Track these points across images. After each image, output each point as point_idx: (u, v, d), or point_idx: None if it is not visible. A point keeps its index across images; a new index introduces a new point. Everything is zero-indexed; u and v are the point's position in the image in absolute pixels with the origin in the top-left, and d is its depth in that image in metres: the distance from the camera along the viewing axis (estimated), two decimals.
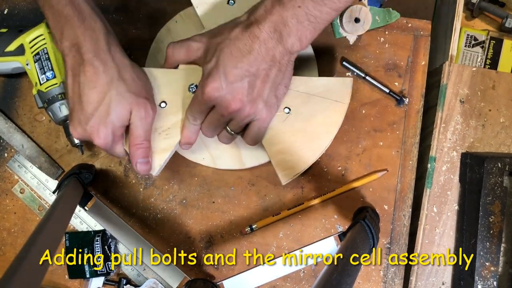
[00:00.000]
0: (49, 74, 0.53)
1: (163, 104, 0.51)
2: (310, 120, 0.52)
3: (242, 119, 0.48)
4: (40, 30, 0.55)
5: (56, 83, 0.53)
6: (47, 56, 0.54)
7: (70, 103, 0.47)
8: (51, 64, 0.54)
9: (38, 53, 0.54)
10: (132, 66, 0.49)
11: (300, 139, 0.52)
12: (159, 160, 0.51)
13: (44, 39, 0.55)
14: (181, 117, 0.52)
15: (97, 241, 0.56)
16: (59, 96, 0.53)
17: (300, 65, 0.56)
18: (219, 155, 0.55)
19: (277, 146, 0.52)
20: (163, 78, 0.52)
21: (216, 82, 0.45)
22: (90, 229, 0.58)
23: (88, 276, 0.56)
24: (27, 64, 0.55)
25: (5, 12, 0.62)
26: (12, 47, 0.55)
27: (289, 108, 0.52)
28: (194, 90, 0.52)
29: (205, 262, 0.57)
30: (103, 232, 0.57)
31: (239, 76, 0.44)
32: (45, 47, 0.54)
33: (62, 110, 0.53)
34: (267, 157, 0.53)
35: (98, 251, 0.56)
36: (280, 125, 0.52)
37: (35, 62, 0.54)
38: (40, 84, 0.54)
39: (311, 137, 0.52)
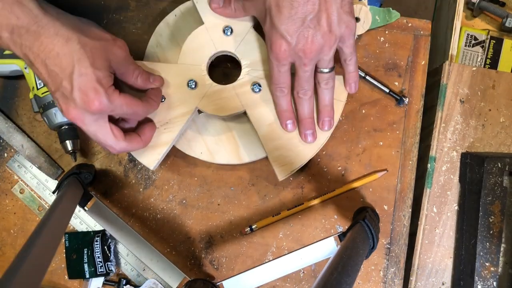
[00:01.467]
0: None
1: (162, 98, 0.52)
2: None
3: (328, 53, 0.47)
4: None
5: None
6: None
7: (50, 91, 0.44)
8: None
9: None
10: (74, 17, 0.46)
11: (297, 136, 0.53)
12: (158, 154, 0.52)
13: None
14: (180, 111, 0.52)
15: (96, 241, 0.56)
16: (55, 102, 0.53)
17: None
18: (217, 150, 0.55)
19: (274, 142, 0.52)
20: (162, 73, 0.52)
21: (279, 41, 0.45)
22: (90, 229, 0.58)
23: (88, 276, 0.56)
24: (25, 68, 0.55)
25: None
26: None
27: None
28: (193, 86, 0.52)
29: (205, 262, 0.57)
30: (103, 232, 0.57)
31: (298, 22, 0.44)
32: None
33: (57, 116, 0.54)
34: (265, 152, 0.53)
35: (98, 251, 0.56)
36: (278, 122, 0.53)
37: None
38: (37, 89, 0.54)
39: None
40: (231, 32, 0.53)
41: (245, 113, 0.53)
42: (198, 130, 0.55)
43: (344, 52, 0.50)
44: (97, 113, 0.43)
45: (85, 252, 0.56)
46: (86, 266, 0.56)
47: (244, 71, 0.53)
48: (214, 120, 0.55)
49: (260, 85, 0.52)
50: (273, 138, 0.52)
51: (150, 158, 0.52)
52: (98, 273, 0.56)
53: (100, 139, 0.46)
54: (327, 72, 0.49)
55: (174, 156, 0.58)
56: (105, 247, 0.56)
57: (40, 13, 0.41)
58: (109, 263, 0.56)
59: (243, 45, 0.53)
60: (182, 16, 0.57)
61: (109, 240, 0.57)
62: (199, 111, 0.54)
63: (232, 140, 0.55)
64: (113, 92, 0.44)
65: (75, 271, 0.57)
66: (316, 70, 0.50)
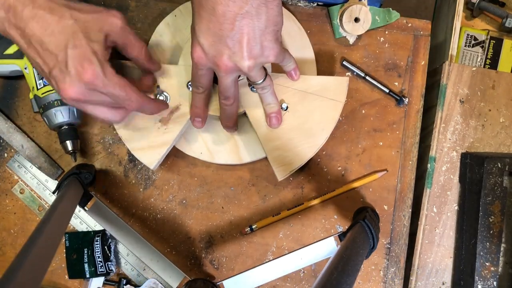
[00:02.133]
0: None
1: (161, 98, 0.52)
2: (306, 118, 0.53)
3: (250, 73, 0.45)
4: None
5: (53, 90, 0.53)
6: None
7: (46, 74, 0.44)
8: None
9: None
10: None
11: (296, 136, 0.53)
12: (158, 155, 0.52)
13: None
14: (180, 111, 0.52)
15: (97, 241, 0.56)
16: (55, 102, 0.53)
17: (299, 65, 0.56)
18: (217, 150, 0.55)
19: (274, 142, 0.53)
20: (162, 73, 0.53)
21: (197, 47, 0.44)
22: (90, 229, 0.58)
23: (88, 276, 0.56)
24: (25, 68, 0.55)
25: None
26: (11, 50, 0.55)
27: (287, 105, 0.53)
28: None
29: (205, 262, 0.57)
30: (103, 232, 0.57)
31: (216, 37, 0.43)
32: None
33: (57, 116, 0.54)
34: (264, 152, 0.53)
35: (98, 251, 0.56)
36: None
37: (33, 66, 0.54)
38: (37, 89, 0.54)
39: (307, 134, 0.53)
40: None
41: (245, 114, 0.53)
42: (198, 130, 0.55)
43: (257, 73, 0.47)
44: (91, 84, 0.43)
45: (86, 252, 0.56)
46: (86, 266, 0.56)
47: None
48: (214, 121, 0.55)
49: None
50: (272, 139, 0.53)
51: (151, 158, 0.52)
52: (98, 273, 0.56)
53: (100, 111, 0.46)
54: (260, 83, 0.49)
55: (174, 156, 0.58)
56: (105, 247, 0.56)
57: None
58: (109, 263, 0.56)
59: None
60: (182, 16, 0.57)
61: (109, 240, 0.57)
62: None
63: (232, 140, 0.55)
64: (108, 67, 0.44)
65: (75, 271, 0.57)
66: (249, 80, 0.49)
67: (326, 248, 0.55)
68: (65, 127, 0.55)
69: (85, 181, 0.55)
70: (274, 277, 0.56)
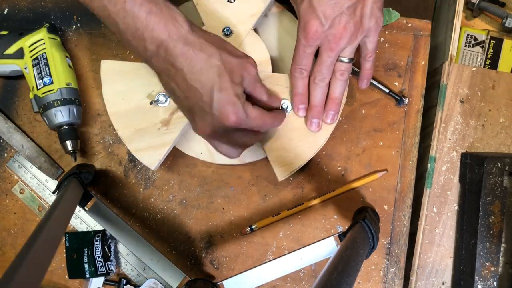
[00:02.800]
0: (46, 79, 0.53)
1: (162, 98, 0.52)
2: (302, 119, 0.53)
3: (353, 43, 0.48)
4: (40, 35, 0.55)
5: (53, 89, 0.53)
6: (45, 61, 0.54)
7: (185, 107, 0.46)
8: (49, 69, 0.54)
9: (37, 58, 0.54)
10: (215, 35, 0.47)
11: (296, 136, 0.53)
12: (158, 155, 0.52)
13: (44, 43, 0.55)
14: (180, 112, 0.52)
15: (97, 241, 0.56)
16: (55, 102, 0.53)
17: None
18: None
19: (274, 142, 0.53)
20: None
21: (314, 21, 0.46)
22: (90, 229, 0.58)
23: (88, 276, 0.56)
24: (25, 68, 0.55)
25: (5, 12, 0.62)
26: (11, 50, 0.55)
27: (287, 105, 0.53)
28: None
29: (205, 262, 0.57)
30: (103, 232, 0.57)
31: (336, 8, 0.46)
32: (44, 52, 0.54)
33: (57, 116, 0.54)
34: (265, 152, 0.53)
35: (98, 251, 0.56)
36: None
37: (33, 66, 0.54)
38: (37, 89, 0.54)
39: (307, 134, 0.53)
40: (231, 33, 0.53)
41: None
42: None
43: (367, 47, 0.51)
44: (233, 126, 0.45)
45: (86, 252, 0.56)
46: (86, 266, 0.56)
47: None
48: None
49: None
50: (273, 139, 0.53)
51: (151, 158, 0.52)
52: (98, 272, 0.56)
53: (223, 148, 0.48)
54: (346, 62, 0.50)
55: (174, 156, 0.58)
56: (105, 247, 0.56)
57: (189, 30, 0.43)
58: (109, 262, 0.56)
59: (243, 47, 0.53)
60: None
61: (109, 240, 0.57)
62: None
63: None
64: (248, 105, 0.46)
65: (75, 271, 0.57)
66: (336, 59, 0.50)
67: (326, 248, 0.56)
68: (65, 127, 0.55)
69: (85, 181, 0.55)
70: (274, 277, 0.56)
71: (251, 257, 0.57)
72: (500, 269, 0.54)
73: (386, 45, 0.59)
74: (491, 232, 0.52)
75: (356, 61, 0.52)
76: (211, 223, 0.58)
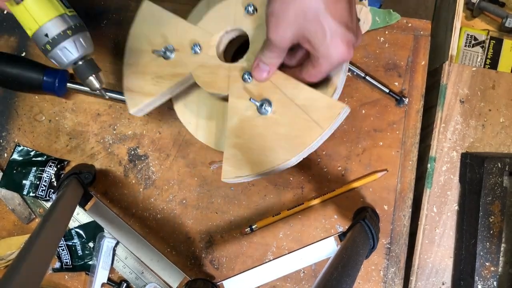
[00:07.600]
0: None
1: (168, 53, 0.51)
2: (278, 128, 0.46)
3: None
4: None
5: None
6: None
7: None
8: None
9: None
10: None
11: (260, 144, 0.47)
12: (139, 101, 0.51)
13: None
14: (175, 70, 0.51)
15: (50, 166, 0.52)
16: (66, 32, 0.43)
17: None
18: (202, 126, 0.54)
19: (237, 139, 0.48)
20: (175, 26, 0.52)
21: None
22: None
23: (24, 193, 0.53)
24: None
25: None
26: None
27: (270, 103, 0.47)
28: (197, 51, 0.51)
29: (205, 262, 0.57)
30: (59, 160, 0.55)
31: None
32: None
33: (71, 50, 0.44)
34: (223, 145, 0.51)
35: (47, 177, 0.52)
36: (252, 118, 0.47)
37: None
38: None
39: (270, 146, 0.46)
40: (254, 11, 0.50)
41: (226, 99, 0.50)
42: (199, 100, 0.54)
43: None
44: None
45: (33, 171, 0.52)
46: (28, 183, 0.52)
47: (246, 55, 0.49)
48: (215, 101, 0.54)
49: (251, 76, 0.48)
50: (237, 135, 0.48)
51: (132, 101, 0.52)
52: (37, 195, 0.52)
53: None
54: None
55: (174, 156, 0.58)
56: (58, 175, 0.53)
57: None
58: (51, 190, 0.53)
59: (262, 29, 0.48)
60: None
61: (60, 172, 0.53)
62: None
63: (220, 125, 0.53)
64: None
65: (11, 182, 0.53)
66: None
67: (326, 248, 0.56)
68: (81, 61, 0.45)
69: (85, 181, 0.55)
70: (274, 277, 0.56)
71: (251, 257, 0.57)
72: (500, 269, 0.54)
73: (386, 45, 0.59)
74: (491, 232, 0.52)
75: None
76: (211, 223, 0.58)
